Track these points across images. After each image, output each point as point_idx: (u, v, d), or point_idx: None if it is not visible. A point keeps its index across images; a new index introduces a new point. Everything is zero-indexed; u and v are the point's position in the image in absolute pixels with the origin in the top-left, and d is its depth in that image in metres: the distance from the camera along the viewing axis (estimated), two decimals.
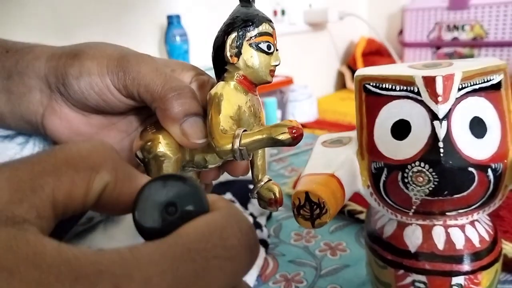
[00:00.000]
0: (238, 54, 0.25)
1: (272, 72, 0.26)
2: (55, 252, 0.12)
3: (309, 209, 0.27)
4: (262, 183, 0.28)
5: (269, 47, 0.25)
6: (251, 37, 0.25)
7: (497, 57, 1.10)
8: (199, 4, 0.98)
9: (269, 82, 0.27)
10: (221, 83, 0.26)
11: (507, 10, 1.08)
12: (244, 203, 0.52)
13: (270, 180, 0.28)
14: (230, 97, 0.25)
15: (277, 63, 0.26)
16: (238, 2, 0.27)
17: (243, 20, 0.25)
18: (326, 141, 0.35)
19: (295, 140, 0.23)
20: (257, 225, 0.48)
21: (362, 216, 0.51)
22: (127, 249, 0.13)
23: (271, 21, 0.26)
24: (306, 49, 1.27)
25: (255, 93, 0.27)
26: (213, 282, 0.14)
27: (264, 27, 0.25)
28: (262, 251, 0.46)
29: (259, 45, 0.25)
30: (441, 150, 0.27)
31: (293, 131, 0.23)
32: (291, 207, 0.29)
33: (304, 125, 1.03)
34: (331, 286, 0.41)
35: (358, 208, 0.52)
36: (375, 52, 1.33)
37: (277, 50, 0.26)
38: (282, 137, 0.23)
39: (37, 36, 0.72)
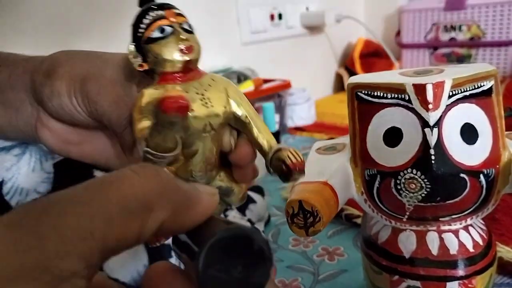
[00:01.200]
0: (144, 59, 0.24)
1: (183, 51, 0.24)
2: None
3: (302, 217, 0.28)
4: (271, 154, 0.26)
5: (162, 30, 0.24)
6: (143, 34, 0.24)
7: (494, 57, 1.10)
8: (197, 10, 0.98)
9: (188, 61, 0.24)
10: (139, 95, 0.24)
11: (504, 10, 1.08)
12: (242, 210, 0.53)
13: (279, 149, 0.25)
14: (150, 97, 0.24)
15: (183, 38, 0.24)
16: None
17: (133, 25, 0.24)
18: (320, 148, 0.35)
19: (172, 111, 0.21)
20: None
21: (359, 221, 0.51)
22: None
23: (163, 4, 0.25)
24: (303, 52, 1.27)
25: (195, 78, 0.25)
26: None
27: (151, 16, 0.24)
28: None
29: (152, 36, 0.24)
30: (433, 157, 0.27)
31: (166, 103, 0.20)
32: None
33: (302, 129, 1.03)
34: None
35: (356, 212, 0.52)
36: (372, 54, 1.33)
37: (183, 27, 0.24)
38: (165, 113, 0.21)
39: (33, 44, 0.72)
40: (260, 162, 0.28)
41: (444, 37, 1.19)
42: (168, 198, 0.15)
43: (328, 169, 0.31)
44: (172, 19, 0.24)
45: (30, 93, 0.29)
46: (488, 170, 0.28)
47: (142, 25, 0.24)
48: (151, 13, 0.24)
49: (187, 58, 0.24)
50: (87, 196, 0.14)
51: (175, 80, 0.24)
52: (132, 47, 0.24)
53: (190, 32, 0.25)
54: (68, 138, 0.30)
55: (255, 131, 0.26)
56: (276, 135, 0.83)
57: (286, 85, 0.97)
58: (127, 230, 0.14)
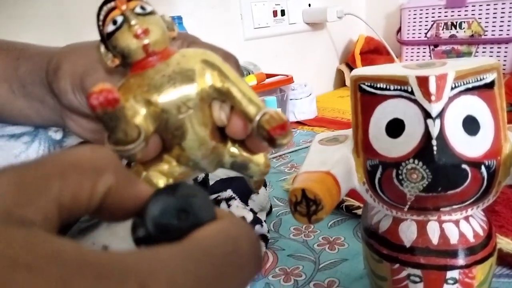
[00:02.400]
0: (114, 54, 0.24)
1: (138, 36, 0.23)
2: (76, 250, 0.12)
3: (305, 205, 0.28)
4: (255, 123, 0.24)
5: (115, 22, 0.23)
6: (106, 34, 0.24)
7: (494, 54, 1.10)
8: (201, 6, 0.99)
9: (147, 45, 0.23)
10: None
11: (504, 7, 1.08)
12: (245, 200, 0.53)
13: (264, 114, 0.24)
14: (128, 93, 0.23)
15: (133, 23, 0.23)
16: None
17: (98, 25, 0.24)
18: (323, 140, 0.36)
19: (96, 109, 0.18)
20: (257, 220, 0.49)
21: (359, 211, 0.51)
22: (149, 250, 0.13)
23: None
24: (305, 48, 1.28)
25: (163, 59, 0.24)
26: (228, 287, 0.14)
27: (104, 11, 0.24)
28: (262, 245, 0.47)
29: (108, 31, 0.23)
30: (435, 148, 0.27)
31: (93, 98, 0.18)
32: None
33: (303, 123, 1.03)
34: (329, 280, 0.42)
35: (356, 203, 0.53)
36: (373, 50, 1.33)
37: (135, 12, 0.23)
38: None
39: (45, 36, 0.72)
40: None
41: (445, 34, 1.19)
42: (115, 168, 0.16)
43: (331, 159, 0.32)
44: (123, 7, 0.23)
45: (48, 88, 0.29)
46: (489, 161, 0.29)
47: (99, 23, 0.24)
48: (104, 8, 0.24)
49: (144, 42, 0.23)
50: (41, 160, 0.15)
51: (145, 67, 0.24)
52: (101, 46, 0.25)
53: (145, 14, 0.24)
54: (92, 128, 0.30)
55: (238, 100, 0.24)
56: None
57: (288, 80, 0.98)
58: (80, 188, 0.15)
